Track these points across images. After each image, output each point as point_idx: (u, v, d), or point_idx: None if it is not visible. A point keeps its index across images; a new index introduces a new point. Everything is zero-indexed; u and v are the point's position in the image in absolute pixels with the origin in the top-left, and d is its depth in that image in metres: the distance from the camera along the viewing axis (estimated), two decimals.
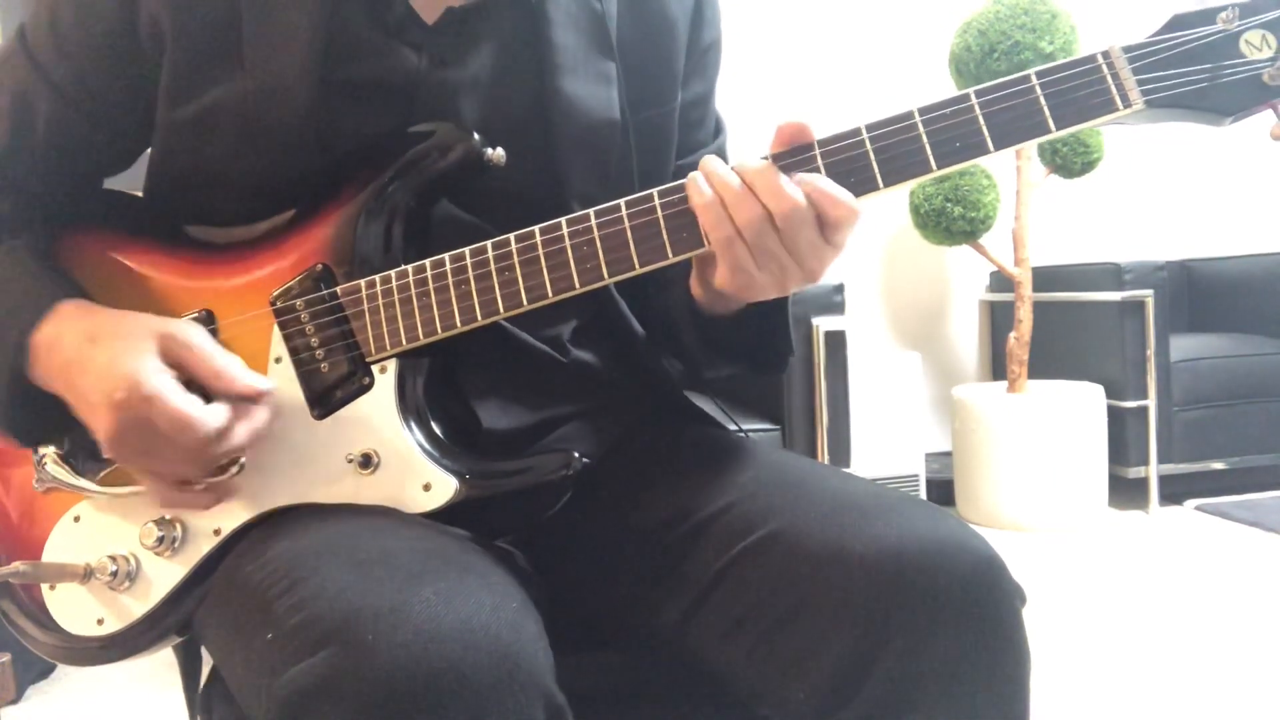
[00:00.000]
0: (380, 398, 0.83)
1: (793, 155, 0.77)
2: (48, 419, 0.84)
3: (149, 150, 0.94)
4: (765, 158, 0.77)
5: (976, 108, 0.75)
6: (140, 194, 0.96)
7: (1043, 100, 0.75)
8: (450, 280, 0.82)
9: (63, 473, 0.87)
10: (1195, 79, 0.74)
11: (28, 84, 0.90)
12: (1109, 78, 0.74)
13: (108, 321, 0.81)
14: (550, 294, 0.80)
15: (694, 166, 0.79)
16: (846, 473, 0.88)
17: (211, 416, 0.77)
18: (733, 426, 1.02)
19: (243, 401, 0.79)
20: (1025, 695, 0.75)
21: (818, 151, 0.77)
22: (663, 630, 0.85)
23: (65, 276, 0.88)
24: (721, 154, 1.04)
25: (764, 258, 0.76)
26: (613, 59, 0.93)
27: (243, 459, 0.82)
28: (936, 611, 0.72)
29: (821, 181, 0.75)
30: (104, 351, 0.78)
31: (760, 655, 0.77)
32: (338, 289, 0.84)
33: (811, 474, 0.86)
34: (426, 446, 0.82)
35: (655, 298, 0.98)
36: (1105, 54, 0.74)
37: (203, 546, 0.84)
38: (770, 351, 0.93)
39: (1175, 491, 3.44)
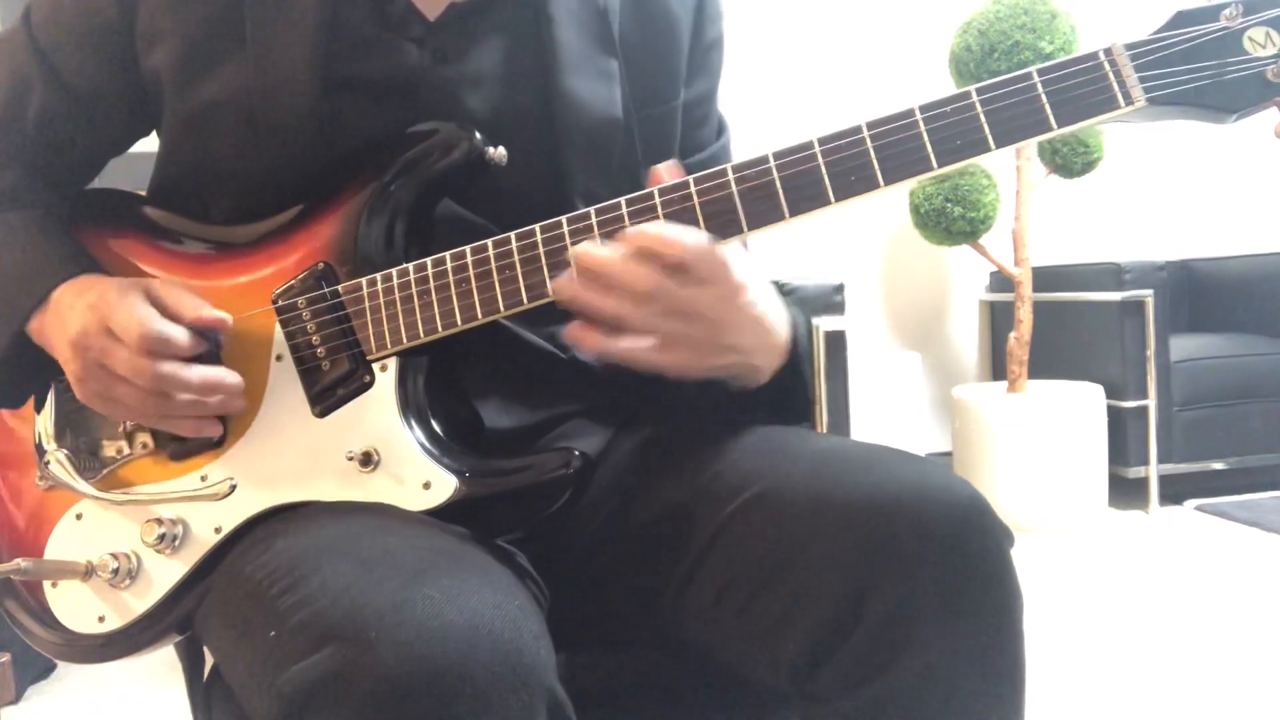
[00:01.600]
0: (381, 396, 0.83)
1: (802, 150, 0.77)
2: (33, 377, 0.90)
3: (155, 150, 0.95)
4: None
5: (978, 105, 0.75)
6: (143, 193, 0.97)
7: (1044, 98, 0.74)
8: (451, 279, 0.82)
9: (64, 473, 0.88)
10: (1198, 77, 0.74)
11: (26, 65, 0.93)
12: (1111, 75, 0.74)
13: (117, 278, 0.86)
14: (550, 292, 0.81)
15: (699, 166, 0.79)
16: (829, 434, 0.88)
17: (162, 324, 0.80)
18: None
19: (202, 336, 0.83)
20: (1018, 631, 0.75)
21: (818, 149, 0.76)
22: (660, 614, 0.85)
23: (91, 256, 0.91)
24: (725, 154, 1.04)
25: (666, 335, 0.77)
26: (615, 56, 0.93)
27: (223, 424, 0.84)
28: (923, 553, 0.72)
29: (650, 229, 0.75)
30: (100, 286, 0.83)
31: (750, 616, 0.77)
32: (339, 287, 0.84)
33: (795, 436, 0.86)
34: (426, 445, 0.82)
35: None
36: (1107, 51, 0.74)
37: (203, 544, 0.84)
38: (787, 414, 0.92)
39: (1175, 491, 3.44)
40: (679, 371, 0.79)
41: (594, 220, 0.80)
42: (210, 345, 0.83)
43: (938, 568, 0.72)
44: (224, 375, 0.82)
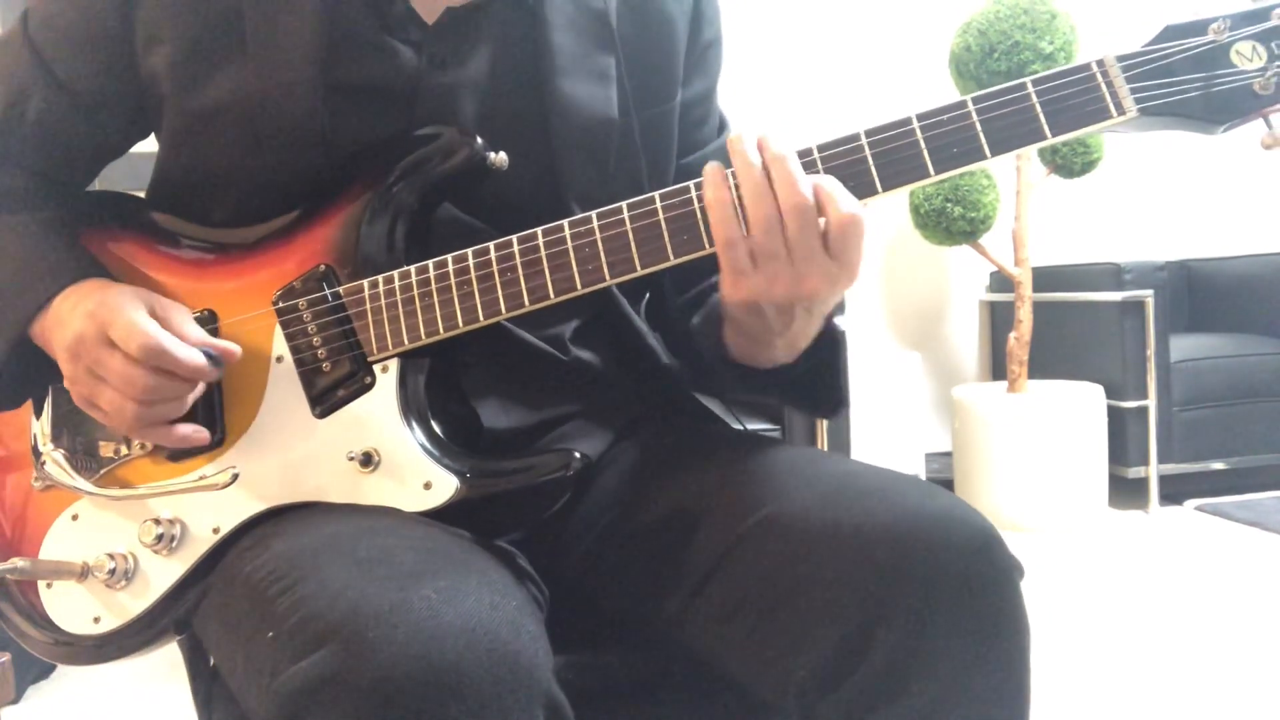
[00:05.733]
0: (381, 397, 0.83)
1: (801, 157, 0.77)
2: (33, 380, 0.89)
3: (154, 151, 0.95)
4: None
5: (974, 114, 0.76)
6: (142, 195, 0.97)
7: (1039, 108, 0.75)
8: (452, 281, 0.82)
9: (61, 472, 0.88)
10: (1188, 88, 0.75)
11: (25, 69, 0.92)
12: (1103, 86, 0.75)
13: (120, 286, 0.86)
14: (552, 295, 0.81)
15: (698, 165, 0.79)
16: (841, 456, 0.88)
17: (162, 335, 0.79)
18: (736, 425, 1.02)
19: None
20: (1025, 667, 0.76)
21: (817, 156, 0.77)
22: (662, 621, 0.85)
23: (96, 260, 0.91)
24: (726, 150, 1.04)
25: (764, 258, 0.76)
26: (613, 54, 0.93)
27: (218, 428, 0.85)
28: (935, 586, 0.72)
29: (827, 182, 0.75)
30: (101, 293, 0.83)
31: (760, 636, 0.78)
32: (340, 289, 0.85)
33: (806, 457, 0.86)
34: (427, 445, 0.82)
35: (684, 343, 0.98)
36: (1100, 63, 0.75)
37: (201, 545, 0.84)
38: (820, 399, 0.92)
39: (1175, 491, 3.44)
40: (731, 279, 0.78)
41: (595, 224, 0.80)
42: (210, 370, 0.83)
43: (950, 601, 0.72)
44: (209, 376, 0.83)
